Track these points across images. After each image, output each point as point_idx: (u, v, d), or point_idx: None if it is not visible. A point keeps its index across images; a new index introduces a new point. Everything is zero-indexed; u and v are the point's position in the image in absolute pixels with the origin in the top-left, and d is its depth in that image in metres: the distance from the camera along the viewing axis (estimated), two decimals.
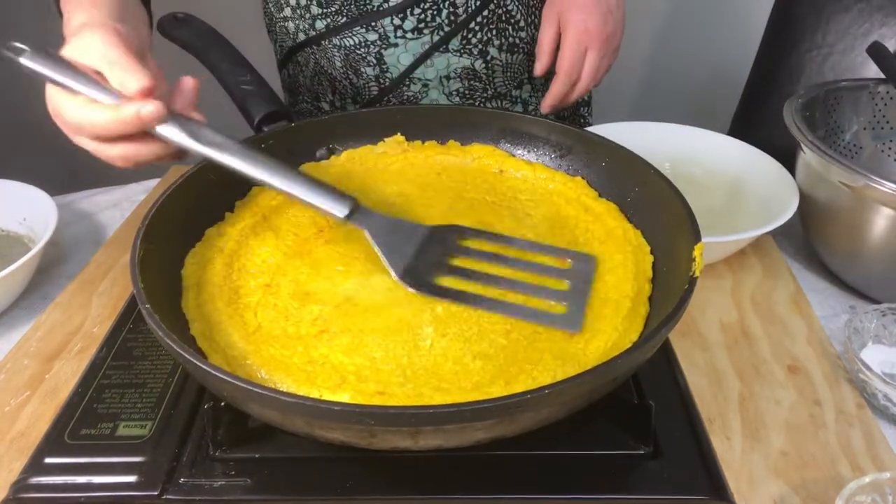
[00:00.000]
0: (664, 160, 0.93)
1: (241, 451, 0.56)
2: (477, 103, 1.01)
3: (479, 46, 0.95)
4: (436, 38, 0.93)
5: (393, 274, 0.59)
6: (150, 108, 0.57)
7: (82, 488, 0.54)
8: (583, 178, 0.73)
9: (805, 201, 0.81)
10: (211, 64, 0.75)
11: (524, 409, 0.45)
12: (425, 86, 0.97)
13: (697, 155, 0.94)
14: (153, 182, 1.00)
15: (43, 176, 0.95)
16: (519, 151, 0.77)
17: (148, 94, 0.58)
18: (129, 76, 0.58)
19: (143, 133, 0.59)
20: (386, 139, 0.75)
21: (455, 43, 0.94)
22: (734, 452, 0.61)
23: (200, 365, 0.46)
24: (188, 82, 0.63)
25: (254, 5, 1.04)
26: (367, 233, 0.61)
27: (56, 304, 0.77)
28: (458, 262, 0.62)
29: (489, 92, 1.00)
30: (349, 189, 0.64)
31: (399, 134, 0.76)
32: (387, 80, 0.97)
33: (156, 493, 0.53)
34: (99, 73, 0.59)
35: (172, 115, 0.59)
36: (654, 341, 0.49)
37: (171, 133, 0.59)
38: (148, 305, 0.50)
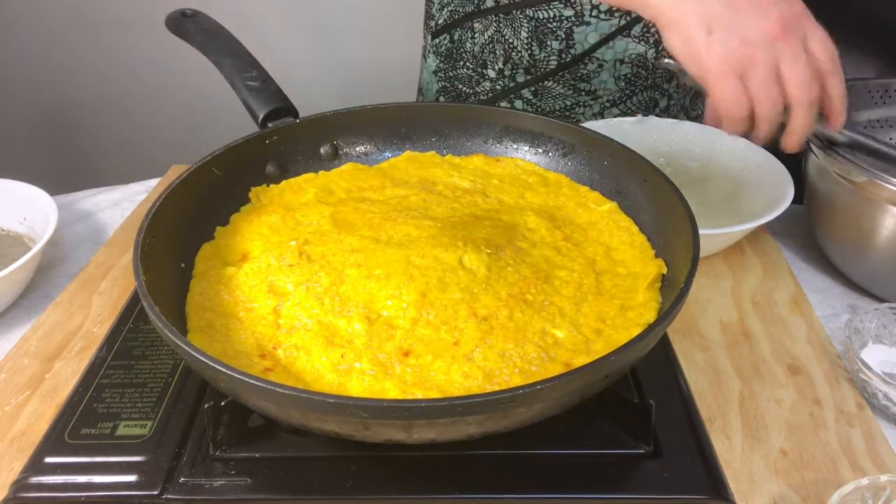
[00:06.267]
0: (659, 155, 0.93)
1: (241, 451, 0.56)
2: (636, 91, 1.01)
3: (657, 35, 0.97)
4: (623, 21, 0.95)
5: None
6: None
7: (82, 488, 0.54)
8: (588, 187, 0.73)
9: (813, 200, 0.81)
10: (216, 60, 0.75)
11: (515, 404, 0.45)
12: (600, 66, 0.99)
13: (692, 149, 0.94)
14: (153, 182, 1.00)
15: (43, 176, 0.95)
16: (522, 149, 0.77)
17: None
18: None
19: None
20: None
21: (637, 29, 0.96)
22: (734, 452, 0.61)
23: (198, 356, 0.46)
24: None
25: (270, 3, 1.03)
26: None
27: (56, 303, 0.77)
28: None
29: (648, 81, 1.01)
30: None
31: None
32: (569, 55, 0.98)
33: (156, 492, 0.53)
34: None
35: None
36: (647, 339, 0.49)
37: None
38: (149, 298, 0.50)
